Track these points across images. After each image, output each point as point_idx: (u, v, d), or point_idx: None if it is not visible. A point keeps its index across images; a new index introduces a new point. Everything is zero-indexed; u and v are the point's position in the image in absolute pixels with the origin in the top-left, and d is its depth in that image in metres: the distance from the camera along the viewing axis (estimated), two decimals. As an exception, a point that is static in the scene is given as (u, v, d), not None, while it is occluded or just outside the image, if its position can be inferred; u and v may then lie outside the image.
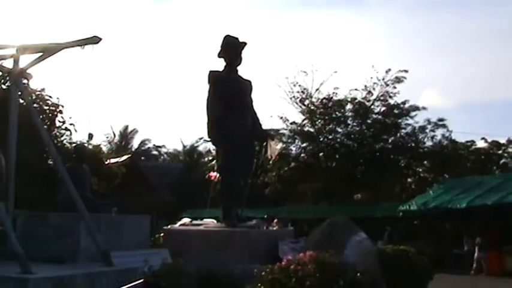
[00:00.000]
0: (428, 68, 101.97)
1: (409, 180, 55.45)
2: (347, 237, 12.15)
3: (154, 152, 78.82)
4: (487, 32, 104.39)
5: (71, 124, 26.75)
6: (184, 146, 74.89)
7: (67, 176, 12.81)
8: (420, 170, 54.34)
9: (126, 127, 73.76)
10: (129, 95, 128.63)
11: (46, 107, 25.62)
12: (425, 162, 53.19)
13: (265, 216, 18.22)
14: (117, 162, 32.58)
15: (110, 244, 12.55)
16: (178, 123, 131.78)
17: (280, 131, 52.24)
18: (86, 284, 9.42)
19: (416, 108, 50.55)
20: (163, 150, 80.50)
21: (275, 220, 17.98)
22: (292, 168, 52.43)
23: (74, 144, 24.58)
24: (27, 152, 18.78)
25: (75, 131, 26.88)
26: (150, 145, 76.83)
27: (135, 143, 73.80)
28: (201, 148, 72.01)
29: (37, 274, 9.85)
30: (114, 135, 72.82)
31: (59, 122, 26.54)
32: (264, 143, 16.83)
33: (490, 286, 26.85)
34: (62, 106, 26.28)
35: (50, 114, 25.80)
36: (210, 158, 60.58)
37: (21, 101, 15.92)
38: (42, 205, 16.32)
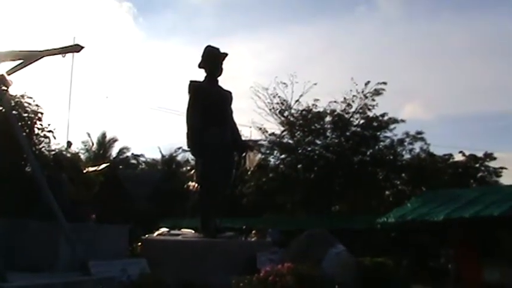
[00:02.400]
0: (407, 81, 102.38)
1: (387, 192, 55.61)
2: (325, 249, 12.21)
3: (133, 161, 78.58)
4: (467, 46, 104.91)
5: (49, 131, 26.60)
6: (162, 156, 74.75)
7: (45, 184, 12.73)
8: (398, 182, 54.50)
9: (104, 135, 73.54)
10: (107, 103, 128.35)
11: (25, 114, 25.47)
12: (403, 175, 53.36)
13: (244, 227, 18.25)
14: (95, 170, 32.43)
15: (88, 253, 12.48)
16: (157, 133, 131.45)
17: (259, 142, 52.26)
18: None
19: (395, 121, 50.78)
20: (142, 159, 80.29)
21: (253, 231, 18.04)
22: (270, 179, 52.44)
23: (52, 152, 24.47)
24: (5, 159, 18.68)
25: (54, 138, 26.72)
26: (129, 154, 76.59)
27: (113, 152, 73.53)
28: (179, 158, 71.96)
29: (13, 282, 9.78)
30: (93, 143, 72.53)
31: (38, 129, 26.40)
32: (243, 154, 16.87)
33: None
34: (41, 113, 26.13)
35: (29, 121, 25.65)
36: (189, 168, 60.49)
37: (0, 107, 15.85)
38: (20, 213, 16.22)
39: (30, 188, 19.84)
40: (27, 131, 24.30)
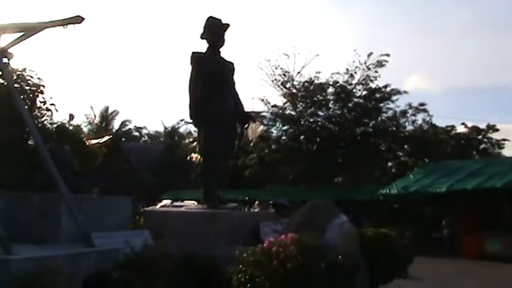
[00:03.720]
0: (410, 52, 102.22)
1: (389, 164, 55.73)
2: (328, 219, 12.16)
3: (135, 133, 78.75)
4: (471, 17, 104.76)
5: (51, 104, 26.57)
6: (165, 128, 74.90)
7: (48, 157, 12.71)
8: (401, 154, 54.60)
9: (107, 108, 73.61)
10: (109, 76, 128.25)
11: (27, 87, 25.43)
12: (405, 146, 53.43)
13: (247, 198, 18.26)
14: (98, 143, 32.47)
15: (91, 225, 12.48)
16: (160, 105, 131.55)
17: (262, 114, 52.24)
18: (67, 265, 9.36)
19: (398, 92, 50.76)
20: (144, 131, 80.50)
21: (256, 202, 18.03)
22: (273, 151, 52.51)
23: (54, 125, 24.44)
24: (8, 132, 18.67)
25: (56, 111, 26.70)
26: (131, 126, 76.81)
27: (115, 124, 73.71)
28: (182, 130, 72.09)
29: (18, 255, 9.79)
30: (95, 116, 72.67)
31: (40, 102, 26.37)
32: (246, 125, 16.82)
33: (469, 269, 27.02)
34: (43, 86, 26.08)
35: (31, 95, 25.62)
36: (191, 140, 60.56)
37: (2, 81, 15.81)
38: (22, 186, 16.23)
39: (33, 161, 19.87)
40: (29, 104, 24.28)
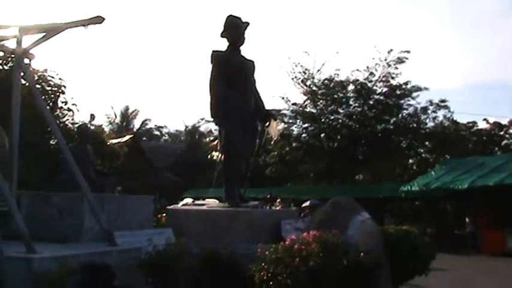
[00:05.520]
0: (431, 49, 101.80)
1: (410, 161, 55.56)
2: (350, 217, 12.15)
3: (156, 132, 78.98)
4: (492, 13, 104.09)
5: (73, 104, 26.76)
6: (186, 127, 75.09)
7: (70, 157, 12.79)
8: (422, 150, 54.40)
9: (127, 108, 73.94)
10: (129, 76, 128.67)
11: (48, 88, 25.64)
12: (426, 143, 53.22)
13: (268, 196, 18.24)
14: (119, 142, 32.65)
15: (113, 224, 12.56)
16: (180, 104, 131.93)
17: (282, 112, 52.20)
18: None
19: (418, 89, 50.49)
20: (165, 130, 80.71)
21: (278, 200, 18.03)
22: (293, 149, 52.50)
23: (76, 125, 24.60)
24: (30, 133, 18.79)
25: (78, 111, 26.90)
26: (152, 125, 77.05)
27: (136, 124, 74.02)
28: (202, 128, 72.21)
29: (41, 254, 9.87)
30: (116, 115, 73.03)
31: (61, 102, 26.56)
32: (267, 123, 16.81)
33: (490, 266, 26.89)
34: (64, 87, 26.29)
35: (53, 95, 25.82)
36: (212, 139, 60.67)
37: (24, 81, 15.91)
38: (45, 186, 16.35)
39: (54, 161, 19.97)
40: (50, 104, 24.46)
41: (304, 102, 52.91)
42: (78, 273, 3.57)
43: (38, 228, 11.48)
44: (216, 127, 19.76)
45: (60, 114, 26.38)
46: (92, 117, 31.19)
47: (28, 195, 13.81)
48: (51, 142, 25.15)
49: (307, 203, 21.22)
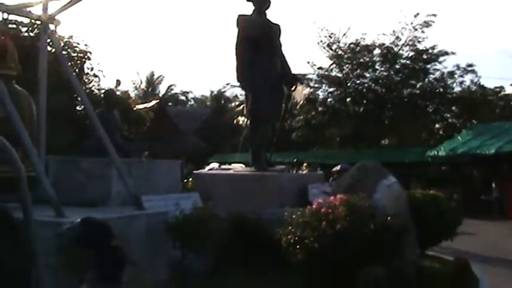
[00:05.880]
0: (458, 13, 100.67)
1: (437, 125, 55.19)
2: (377, 181, 12.14)
3: (182, 98, 78.89)
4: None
5: (99, 70, 26.88)
6: (211, 92, 74.92)
7: (98, 122, 12.83)
8: (448, 115, 53.97)
9: (153, 73, 73.94)
10: (155, 41, 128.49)
11: (74, 54, 25.76)
12: (453, 107, 52.78)
13: (295, 160, 18.19)
14: (145, 107, 32.71)
15: (140, 188, 12.61)
16: (205, 69, 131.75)
17: (308, 76, 52.00)
18: (117, 227, 9.46)
19: (445, 53, 49.98)
20: (190, 95, 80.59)
21: (304, 164, 17.99)
22: (319, 113, 52.39)
23: (102, 91, 24.70)
24: (57, 99, 18.89)
25: (103, 77, 27.02)
26: (177, 90, 76.96)
27: (161, 89, 74.02)
28: (228, 93, 72.04)
29: (70, 218, 9.95)
30: (141, 81, 73.11)
31: (87, 68, 26.67)
32: (293, 87, 16.79)
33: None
34: (90, 53, 26.40)
35: (78, 61, 25.94)
36: (237, 103, 60.63)
37: (50, 48, 15.93)
38: (72, 152, 16.43)
39: (82, 126, 20.08)
40: (76, 70, 24.55)
41: (330, 66, 52.65)
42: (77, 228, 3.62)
43: (66, 193, 11.54)
44: (242, 92, 19.73)
45: (86, 80, 26.52)
46: (118, 82, 31.34)
47: (56, 161, 13.90)
48: (77, 108, 25.31)
49: (337, 167, 21.20)
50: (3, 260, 5.34)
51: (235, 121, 52.59)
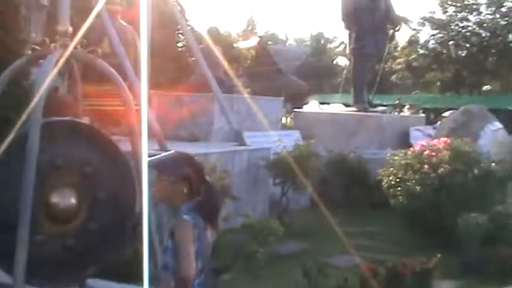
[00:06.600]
0: None
1: (543, 72, 53.56)
2: (482, 126, 11.93)
3: (281, 37, 78.64)
4: None
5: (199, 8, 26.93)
6: (311, 34, 74.37)
7: (201, 58, 12.95)
8: (555, 62, 52.22)
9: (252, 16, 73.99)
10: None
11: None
12: None
13: (397, 102, 17.93)
14: (246, 46, 32.75)
15: (242, 124, 12.72)
16: (305, 10, 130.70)
17: (410, 18, 51.07)
18: (219, 162, 9.57)
19: (557, -3, 48.17)
20: (290, 34, 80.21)
21: (407, 106, 17.71)
22: (420, 56, 51.44)
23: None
24: (160, 34, 19.11)
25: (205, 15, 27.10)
26: (276, 31, 76.64)
27: (261, 30, 73.91)
28: (328, 34, 71.33)
29: (172, 151, 10.11)
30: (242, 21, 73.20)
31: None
32: (396, 28, 16.58)
33: None
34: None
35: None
36: (337, 45, 60.15)
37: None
38: (174, 87, 16.63)
39: (184, 62, 20.29)
40: (178, 7, 24.74)
41: (434, 8, 51.51)
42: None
43: (169, 128, 11.73)
44: (343, 32, 19.55)
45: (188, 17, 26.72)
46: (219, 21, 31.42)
47: (159, 95, 14.11)
48: (178, 45, 25.56)
49: (447, 113, 20.74)
50: (115, 193, 5.47)
51: (334, 62, 52.17)
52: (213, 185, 3.69)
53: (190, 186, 3.61)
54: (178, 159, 3.79)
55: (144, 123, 5.60)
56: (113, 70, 5.63)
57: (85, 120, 6.74)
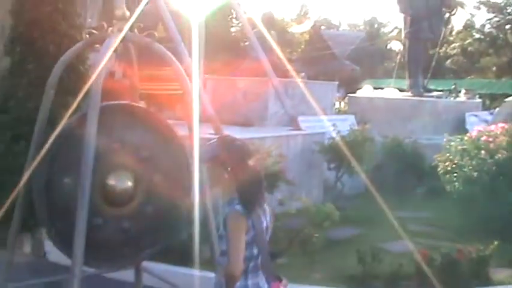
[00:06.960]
0: None
1: None
2: (541, 111, 11.75)
3: (334, 22, 78.30)
4: None
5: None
6: (364, 20, 73.93)
7: (256, 43, 12.97)
8: None
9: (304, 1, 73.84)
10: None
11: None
12: None
13: (453, 87, 17.74)
14: (299, 31, 32.76)
15: (296, 108, 12.72)
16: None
17: (465, 1, 50.32)
18: (274, 147, 9.58)
19: None
20: (344, 20, 79.96)
21: (463, 91, 17.51)
22: (476, 41, 50.68)
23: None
24: (212, 19, 19.18)
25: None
26: (329, 16, 76.53)
27: (314, 15, 73.73)
28: (381, 19, 70.93)
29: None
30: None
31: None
32: (453, 11, 16.41)
33: None
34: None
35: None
36: (391, 30, 59.67)
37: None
38: (228, 72, 16.66)
39: (238, 46, 20.30)
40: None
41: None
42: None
43: (224, 112, 11.77)
44: (397, 17, 19.39)
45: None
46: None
47: (213, 79, 14.16)
48: (231, 30, 25.60)
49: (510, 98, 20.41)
50: (171, 177, 5.51)
51: (388, 46, 51.78)
52: (254, 170, 3.65)
53: (229, 170, 3.60)
54: (212, 144, 3.80)
55: (195, 107, 5.62)
56: (170, 54, 5.66)
57: (141, 104, 6.80)
